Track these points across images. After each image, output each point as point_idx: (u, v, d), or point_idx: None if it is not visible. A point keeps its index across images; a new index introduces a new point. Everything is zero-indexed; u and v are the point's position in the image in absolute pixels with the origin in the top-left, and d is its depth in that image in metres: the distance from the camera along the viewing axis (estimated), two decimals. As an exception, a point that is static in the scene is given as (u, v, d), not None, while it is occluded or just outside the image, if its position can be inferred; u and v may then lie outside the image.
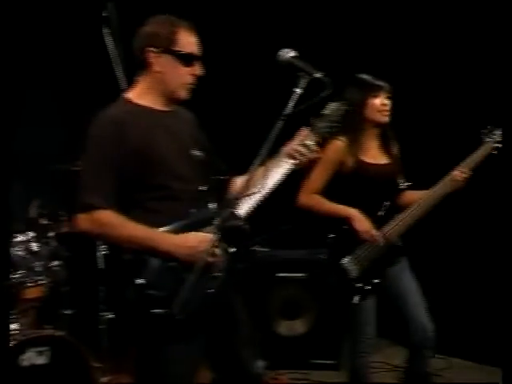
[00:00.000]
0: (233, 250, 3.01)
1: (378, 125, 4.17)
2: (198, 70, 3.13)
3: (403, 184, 4.20)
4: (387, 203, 4.07)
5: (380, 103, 4.11)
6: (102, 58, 4.13)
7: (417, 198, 4.11)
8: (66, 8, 5.24)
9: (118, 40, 3.99)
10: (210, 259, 2.91)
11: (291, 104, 2.84)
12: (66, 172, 4.45)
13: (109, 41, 4.06)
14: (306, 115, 2.97)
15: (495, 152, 4.20)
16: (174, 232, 2.98)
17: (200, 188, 3.10)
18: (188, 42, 3.11)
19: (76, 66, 5.39)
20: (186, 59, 3.10)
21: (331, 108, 3.15)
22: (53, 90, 5.45)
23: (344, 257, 4.02)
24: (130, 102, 3.15)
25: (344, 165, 4.08)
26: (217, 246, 2.92)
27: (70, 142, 4.29)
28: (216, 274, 2.98)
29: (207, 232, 2.97)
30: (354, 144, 4.09)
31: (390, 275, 4.07)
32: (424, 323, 4.04)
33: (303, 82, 2.86)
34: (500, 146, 4.20)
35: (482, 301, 5.58)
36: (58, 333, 4.22)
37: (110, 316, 4.73)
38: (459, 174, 4.11)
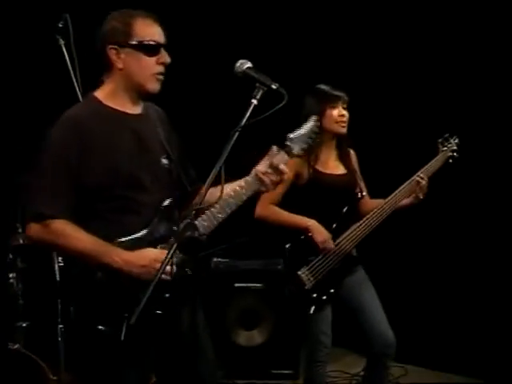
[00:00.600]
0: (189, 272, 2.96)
1: (336, 136, 4.16)
2: (163, 57, 3.01)
3: (360, 194, 4.23)
4: (344, 210, 4.08)
5: (338, 114, 4.11)
6: (57, 69, 4.06)
7: (374, 207, 4.11)
8: (19, 19, 5.20)
9: (74, 51, 3.92)
10: (163, 278, 2.71)
11: (247, 115, 2.78)
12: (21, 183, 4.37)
13: (64, 52, 4.00)
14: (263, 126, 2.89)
15: (451, 161, 4.25)
16: (129, 246, 2.88)
17: (165, 200, 3.01)
18: (146, 30, 2.99)
19: (30, 78, 5.34)
20: (148, 49, 2.98)
21: (307, 127, 3.11)
22: (6, 103, 5.38)
23: (300, 267, 4.03)
24: (96, 101, 3.04)
25: (300, 176, 4.09)
26: (172, 265, 2.74)
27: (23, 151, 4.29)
28: (167, 294, 2.89)
29: (164, 248, 2.90)
30: (311, 155, 4.05)
31: (346, 285, 4.10)
32: (384, 332, 4.05)
33: (259, 93, 2.80)
34: (456, 154, 4.27)
35: (437, 307, 5.63)
36: (14, 346, 4.21)
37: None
38: (416, 182, 4.11)
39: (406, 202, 4.15)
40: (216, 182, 2.74)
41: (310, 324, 4.07)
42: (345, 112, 4.15)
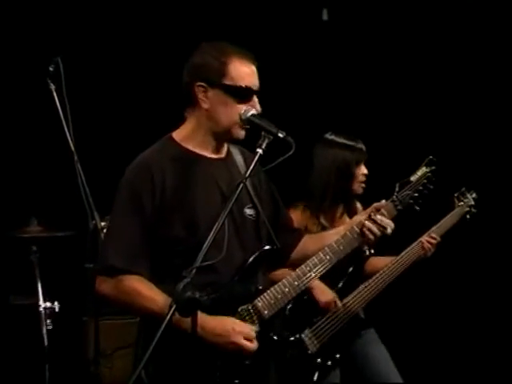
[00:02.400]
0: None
1: (353, 196, 4.12)
2: (255, 106, 2.85)
3: (368, 251, 4.05)
4: (351, 269, 4.00)
5: (362, 173, 4.07)
6: (47, 114, 3.98)
7: (382, 266, 4.04)
8: (9, 62, 5.06)
9: (65, 96, 3.82)
10: (244, 348, 2.72)
11: (252, 165, 2.71)
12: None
13: (55, 97, 3.91)
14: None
15: (468, 217, 4.17)
16: (208, 305, 2.64)
17: (247, 257, 2.87)
18: (241, 73, 2.83)
19: (20, 123, 5.17)
20: (239, 94, 2.82)
21: (419, 175, 3.10)
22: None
23: (303, 329, 3.88)
24: (174, 143, 2.91)
25: (308, 231, 3.94)
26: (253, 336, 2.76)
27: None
28: (247, 361, 2.78)
29: (245, 310, 2.82)
30: (320, 213, 4.03)
31: (353, 349, 3.98)
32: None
33: (265, 142, 2.72)
34: (474, 210, 4.17)
35: (454, 368, 5.52)
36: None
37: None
38: (428, 240, 4.07)
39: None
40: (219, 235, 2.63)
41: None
42: (366, 170, 4.10)
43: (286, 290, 2.93)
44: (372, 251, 4.09)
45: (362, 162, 4.09)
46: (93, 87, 5.00)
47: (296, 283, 2.94)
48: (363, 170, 4.08)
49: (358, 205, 4.21)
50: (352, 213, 4.12)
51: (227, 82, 2.83)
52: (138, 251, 2.79)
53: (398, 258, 4.04)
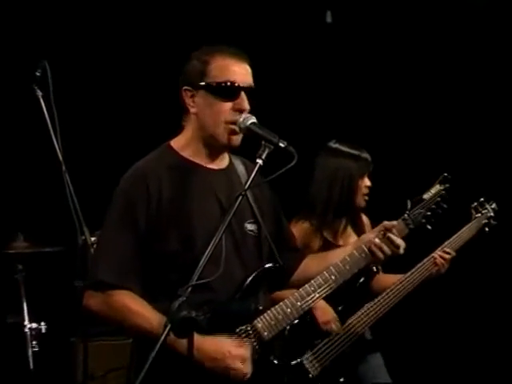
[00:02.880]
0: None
1: (358, 209, 4.10)
2: (242, 103, 2.80)
3: (376, 268, 4.02)
4: (356, 285, 3.95)
5: (366, 185, 4.05)
6: (34, 123, 3.99)
7: (390, 284, 4.01)
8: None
9: (53, 103, 3.81)
10: (240, 373, 2.72)
11: (252, 176, 2.70)
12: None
13: (42, 104, 3.90)
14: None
15: (487, 230, 4.14)
16: (204, 325, 2.57)
17: (247, 275, 2.86)
18: (223, 69, 2.81)
19: (5, 132, 5.21)
20: (222, 91, 2.79)
21: (432, 193, 3.09)
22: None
23: (304, 352, 3.85)
24: (172, 151, 2.89)
25: (309, 246, 3.96)
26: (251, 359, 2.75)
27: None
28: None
29: (244, 331, 2.81)
30: (324, 227, 4.01)
31: (359, 374, 3.95)
32: None
33: (266, 152, 2.71)
34: (493, 222, 4.13)
35: None
36: None
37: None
38: (441, 255, 4.04)
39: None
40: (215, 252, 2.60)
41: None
42: (369, 182, 4.07)
43: (288, 310, 2.90)
44: (379, 268, 4.05)
45: (367, 173, 4.07)
46: (82, 93, 5.06)
47: (299, 304, 2.92)
48: (366, 182, 4.06)
49: (365, 219, 4.21)
50: (357, 226, 4.13)
51: (209, 80, 2.81)
52: (130, 266, 2.76)
53: (408, 275, 4.00)
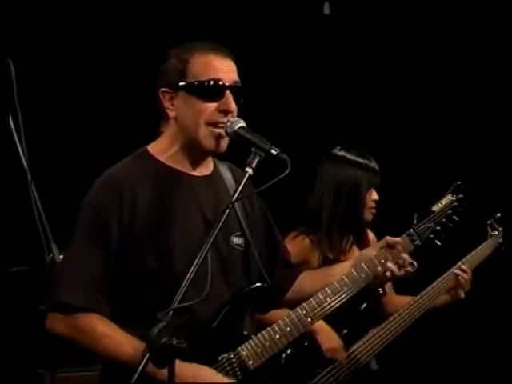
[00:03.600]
0: None
1: (363, 224, 4.08)
2: (227, 103, 2.77)
3: (382, 290, 3.96)
4: (362, 308, 3.97)
5: (373, 199, 4.04)
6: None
7: (398, 308, 3.98)
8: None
9: (17, 104, 3.75)
10: None
11: (241, 187, 2.69)
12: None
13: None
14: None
15: (504, 248, 4.17)
16: (182, 354, 2.51)
17: (233, 294, 2.84)
18: (205, 67, 2.78)
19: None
20: (204, 91, 2.77)
21: (443, 204, 3.10)
22: None
23: (303, 381, 3.81)
24: (149, 157, 2.86)
25: (308, 263, 3.94)
26: None
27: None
28: None
29: (227, 360, 2.78)
30: (324, 244, 3.99)
31: None
32: None
33: (256, 160, 2.70)
34: None
35: None
36: None
37: None
38: (457, 274, 4.00)
39: (441, 300, 4.02)
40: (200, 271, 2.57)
41: None
42: (377, 196, 4.05)
43: (277, 337, 2.88)
44: (386, 290, 4.10)
45: (375, 185, 4.06)
46: (50, 93, 5.00)
47: (288, 329, 2.90)
48: (374, 195, 4.05)
49: (371, 235, 4.19)
50: (363, 244, 4.08)
51: (189, 79, 2.78)
52: (99, 286, 2.72)
53: (419, 297, 3.96)
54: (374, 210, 4.05)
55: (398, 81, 5.75)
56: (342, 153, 4.09)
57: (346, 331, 3.92)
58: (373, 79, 5.78)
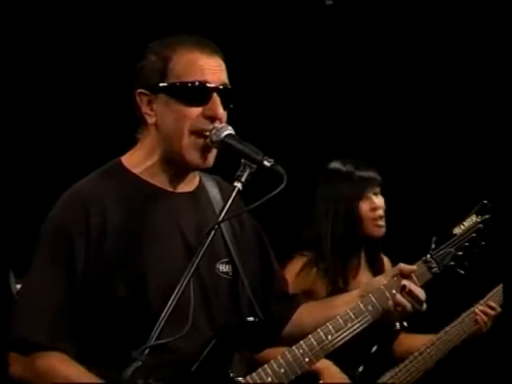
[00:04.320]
0: None
1: (372, 240, 4.06)
2: (214, 108, 2.70)
3: (400, 325, 3.96)
4: (374, 349, 3.94)
5: (376, 206, 4.00)
6: None
7: (417, 347, 3.98)
8: None
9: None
10: None
11: (228, 205, 2.63)
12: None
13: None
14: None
15: None
16: None
17: (218, 331, 2.76)
18: (190, 65, 2.72)
19: None
20: (188, 93, 2.70)
21: (466, 226, 3.03)
22: None
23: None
24: (122, 170, 2.79)
25: (313, 294, 3.96)
26: None
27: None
28: None
29: None
30: (330, 269, 3.98)
31: None
32: None
33: (246, 173, 2.65)
34: None
35: None
36: None
37: None
38: (483, 310, 4.01)
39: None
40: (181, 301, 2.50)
41: None
42: (382, 202, 4.01)
43: (269, 379, 2.81)
44: (405, 324, 3.96)
45: (371, 192, 4.03)
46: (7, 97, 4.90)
47: (282, 371, 2.83)
48: (374, 202, 4.03)
49: (386, 260, 4.19)
50: (377, 268, 4.12)
51: (170, 80, 2.71)
52: (63, 319, 2.65)
53: (440, 335, 3.99)
54: (380, 222, 4.03)
55: (417, 80, 5.63)
56: (333, 166, 4.11)
57: (360, 370, 3.97)
58: (386, 77, 5.63)
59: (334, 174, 4.07)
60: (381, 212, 4.02)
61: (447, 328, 4.00)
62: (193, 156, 2.73)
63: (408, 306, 2.91)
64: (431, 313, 3.56)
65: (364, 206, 4.00)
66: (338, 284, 4.02)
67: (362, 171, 4.03)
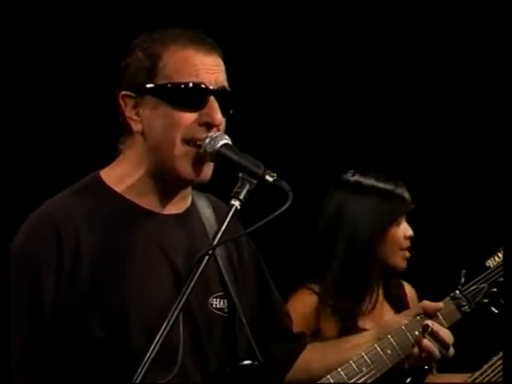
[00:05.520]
0: None
1: (395, 274, 3.89)
2: (211, 113, 2.60)
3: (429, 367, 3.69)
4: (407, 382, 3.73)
5: (405, 235, 3.81)
6: None
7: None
8: None
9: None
10: None
11: (224, 227, 2.53)
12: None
13: None
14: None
15: None
16: None
17: (211, 374, 2.69)
18: (183, 63, 2.63)
19: None
20: (182, 96, 2.61)
21: (501, 258, 2.97)
22: None
23: None
24: (101, 186, 2.68)
25: (319, 333, 3.81)
26: None
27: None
28: None
29: None
30: (341, 304, 3.79)
31: None
32: None
33: (245, 190, 2.55)
34: None
35: None
36: None
37: None
38: None
39: None
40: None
41: None
42: (411, 230, 3.81)
43: None
44: (432, 365, 3.86)
45: (404, 216, 3.83)
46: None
47: None
48: (406, 230, 3.82)
49: (408, 288, 4.01)
50: (394, 295, 3.98)
51: (160, 81, 2.59)
52: (26, 365, 2.58)
53: (478, 374, 3.81)
54: (407, 253, 3.83)
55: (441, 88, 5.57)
56: (356, 178, 3.91)
57: None
58: (393, 80, 5.54)
59: (365, 189, 3.91)
60: (410, 243, 3.85)
61: (484, 368, 3.83)
62: (186, 168, 2.63)
63: (436, 352, 2.83)
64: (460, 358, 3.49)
65: (397, 233, 3.84)
66: (347, 323, 3.90)
67: (402, 189, 3.88)
